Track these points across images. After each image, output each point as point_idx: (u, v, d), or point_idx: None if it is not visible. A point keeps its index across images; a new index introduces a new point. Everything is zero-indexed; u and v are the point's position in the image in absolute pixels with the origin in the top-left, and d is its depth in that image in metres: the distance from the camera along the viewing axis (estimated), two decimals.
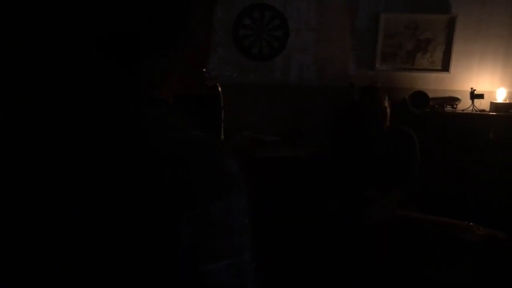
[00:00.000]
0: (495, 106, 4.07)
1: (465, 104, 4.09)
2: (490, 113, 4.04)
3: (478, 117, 4.00)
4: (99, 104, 0.65)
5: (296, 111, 4.17)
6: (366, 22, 4.21)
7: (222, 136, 2.60)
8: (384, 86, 4.02)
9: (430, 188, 3.04)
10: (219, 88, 2.63)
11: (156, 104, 0.68)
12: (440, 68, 4.27)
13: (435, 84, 4.26)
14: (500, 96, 4.10)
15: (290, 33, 4.19)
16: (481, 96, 4.03)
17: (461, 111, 4.06)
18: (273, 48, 4.22)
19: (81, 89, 0.66)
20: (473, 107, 4.06)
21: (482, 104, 4.10)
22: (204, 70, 2.44)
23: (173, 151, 0.62)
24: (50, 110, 0.65)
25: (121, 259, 0.59)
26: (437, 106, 4.03)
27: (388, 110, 3.03)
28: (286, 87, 4.28)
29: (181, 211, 0.59)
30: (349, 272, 2.46)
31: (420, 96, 3.90)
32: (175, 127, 0.66)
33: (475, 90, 4.05)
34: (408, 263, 2.47)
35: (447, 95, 4.14)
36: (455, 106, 4.07)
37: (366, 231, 2.54)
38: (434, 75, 4.27)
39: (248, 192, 0.66)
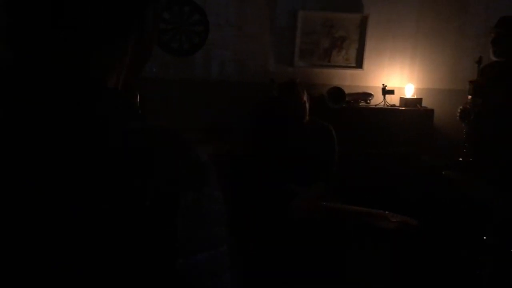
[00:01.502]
0: (404, 101, 4.33)
1: (377, 100, 4.31)
2: (400, 108, 4.30)
3: (390, 111, 4.24)
4: (53, 102, 0.60)
5: (218, 107, 4.16)
6: (284, 19, 4.29)
7: None
8: (303, 82, 4.13)
9: (349, 180, 3.18)
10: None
11: (112, 96, 0.65)
12: (354, 65, 4.47)
13: (350, 80, 4.45)
14: (409, 92, 4.38)
15: (210, 29, 4.17)
16: (391, 91, 4.27)
17: (374, 106, 4.28)
18: (193, 43, 4.18)
19: (33, 87, 0.61)
20: (384, 102, 4.29)
21: (393, 99, 4.35)
22: None
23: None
24: (5, 110, 0.60)
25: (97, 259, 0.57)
26: (352, 101, 4.21)
27: (307, 105, 3.11)
28: (207, 83, 4.25)
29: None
30: (277, 266, 2.50)
31: (337, 92, 4.05)
32: (134, 118, 0.64)
33: (386, 86, 4.29)
34: (330, 252, 2.56)
35: (361, 91, 4.34)
36: (368, 101, 4.28)
37: (292, 225, 2.60)
38: (349, 71, 4.46)
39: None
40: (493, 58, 3.26)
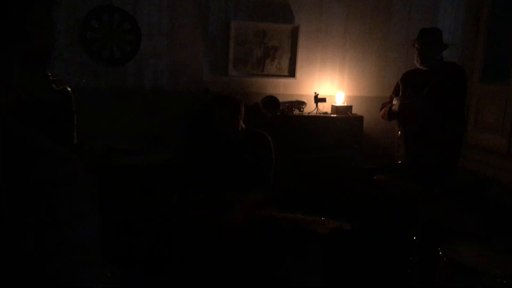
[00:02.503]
0: (335, 108, 4.48)
1: (310, 107, 4.43)
2: (332, 115, 4.45)
3: (322, 119, 4.37)
4: None
5: (152, 117, 4.09)
6: (217, 29, 4.31)
7: (75, 141, 2.44)
8: (237, 91, 4.17)
9: (285, 186, 3.23)
10: (70, 91, 2.46)
11: None
12: (287, 74, 4.57)
13: (284, 89, 4.55)
14: (339, 100, 4.54)
15: (142, 38, 4.10)
16: (323, 100, 4.41)
17: (307, 114, 4.40)
18: (125, 52, 4.09)
19: None
20: (317, 110, 4.42)
21: (325, 107, 4.49)
22: (49, 74, 2.26)
23: (17, 163, 0.60)
24: None
25: None
26: (286, 109, 4.29)
27: (241, 114, 3.12)
28: (140, 92, 4.17)
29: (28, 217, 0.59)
30: (213, 274, 2.49)
31: (271, 101, 4.12)
32: (18, 136, 0.63)
33: (318, 94, 4.42)
34: (267, 259, 2.58)
35: (294, 99, 4.44)
36: (302, 109, 4.39)
37: (227, 233, 2.60)
38: (282, 80, 4.55)
39: (96, 193, 0.66)
40: (419, 67, 3.46)
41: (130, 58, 4.11)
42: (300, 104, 4.39)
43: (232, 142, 3.07)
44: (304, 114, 4.38)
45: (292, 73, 4.56)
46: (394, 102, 3.55)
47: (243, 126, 3.14)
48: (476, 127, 4.61)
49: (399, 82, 3.63)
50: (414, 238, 2.18)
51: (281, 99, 4.30)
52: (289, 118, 4.27)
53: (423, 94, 3.40)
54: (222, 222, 2.68)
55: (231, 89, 4.27)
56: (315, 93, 4.45)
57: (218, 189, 2.86)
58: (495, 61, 4.63)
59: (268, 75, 4.52)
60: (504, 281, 1.87)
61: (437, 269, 2.13)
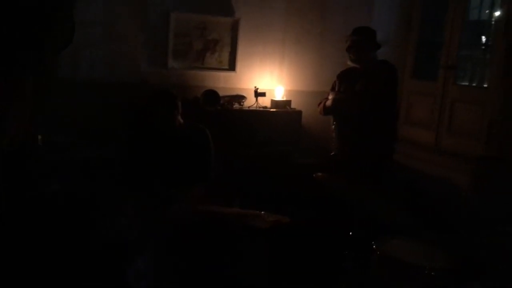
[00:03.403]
0: (275, 103, 4.54)
1: (250, 101, 4.46)
2: (271, 110, 4.50)
3: (262, 113, 4.41)
4: None
5: (88, 109, 3.94)
6: (156, 20, 4.22)
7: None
8: (176, 83, 4.12)
9: (226, 181, 3.24)
10: None
11: None
12: (227, 67, 4.56)
13: (224, 82, 4.54)
14: (279, 94, 4.60)
15: (76, 27, 3.92)
16: (263, 94, 4.45)
17: (247, 108, 4.42)
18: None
19: None
20: (257, 104, 4.45)
21: (264, 101, 4.54)
22: None
23: None
24: None
25: None
26: (226, 103, 4.30)
27: (179, 109, 3.08)
28: (74, 84, 4.00)
29: None
30: (158, 269, 2.46)
31: (212, 95, 4.11)
32: None
33: (258, 88, 4.46)
34: (210, 254, 2.59)
35: (234, 93, 4.45)
36: (242, 103, 4.41)
37: (172, 229, 2.57)
38: (222, 74, 4.54)
39: None
40: (349, 64, 3.57)
41: (64, 48, 3.92)
42: (240, 98, 4.40)
43: (171, 138, 3.04)
44: (244, 108, 4.41)
45: (232, 67, 4.56)
46: (330, 97, 3.65)
47: (181, 121, 3.11)
48: (406, 122, 4.84)
49: (336, 79, 3.73)
50: (350, 233, 2.27)
51: (221, 93, 4.30)
52: (229, 112, 4.28)
53: (356, 90, 3.51)
54: (165, 219, 2.65)
55: (170, 81, 4.21)
56: (255, 87, 4.48)
57: (158, 185, 2.83)
58: (425, 59, 4.88)
59: (208, 68, 4.49)
60: (433, 273, 2.00)
61: (371, 263, 2.23)
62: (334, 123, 3.67)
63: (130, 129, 3.57)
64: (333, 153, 3.65)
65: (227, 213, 2.83)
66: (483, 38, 4.87)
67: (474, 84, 4.85)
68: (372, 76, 3.46)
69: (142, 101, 3.73)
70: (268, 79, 4.70)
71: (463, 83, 4.78)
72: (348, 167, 3.38)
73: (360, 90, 3.47)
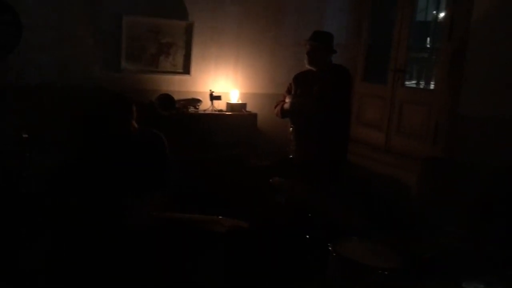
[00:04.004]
0: (230, 106, 4.57)
1: (206, 105, 4.46)
2: (227, 113, 4.52)
3: (217, 116, 4.43)
4: None
5: (37, 116, 3.82)
6: (109, 23, 4.14)
7: None
8: (130, 88, 4.07)
9: (182, 187, 3.23)
10: None
11: None
12: (182, 71, 4.54)
13: (179, 86, 4.51)
14: (234, 97, 4.63)
15: (25, 30, 3.80)
16: (219, 97, 4.47)
17: (203, 112, 4.42)
18: (4, 46, 3.76)
19: None
20: (212, 107, 4.46)
21: (220, 105, 4.55)
22: None
23: None
24: None
25: None
26: (181, 107, 4.28)
27: (134, 114, 3.04)
28: (23, 90, 3.87)
29: None
30: (116, 279, 2.43)
31: (167, 98, 4.08)
32: None
33: (213, 92, 4.47)
34: (169, 261, 2.58)
35: (189, 96, 4.44)
36: (197, 107, 4.40)
37: (127, 238, 2.55)
38: (177, 77, 4.51)
39: None
40: (308, 67, 3.65)
41: (10, 52, 3.79)
42: (196, 101, 4.40)
43: (126, 144, 2.98)
44: (199, 112, 4.40)
45: (187, 70, 4.54)
46: (287, 100, 3.72)
47: (136, 126, 3.06)
48: (358, 123, 4.98)
49: (292, 82, 3.80)
50: (307, 236, 2.33)
51: (176, 97, 4.28)
52: (185, 116, 4.26)
53: (312, 93, 3.60)
54: (121, 228, 2.62)
55: (124, 85, 4.15)
56: (210, 90, 4.49)
57: (114, 194, 2.78)
58: (375, 62, 5.04)
59: (162, 72, 4.46)
60: (386, 273, 2.08)
61: (328, 264, 2.30)
62: (292, 126, 3.74)
63: (83, 135, 3.49)
64: (291, 156, 3.72)
65: (184, 219, 2.83)
66: (429, 40, 5.09)
67: (421, 86, 5.07)
68: (328, 79, 3.56)
69: (96, 106, 3.66)
70: (223, 82, 4.71)
71: (411, 85, 4.99)
72: (306, 169, 3.46)
73: (317, 93, 3.55)
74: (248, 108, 4.66)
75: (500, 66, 3.49)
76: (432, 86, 4.62)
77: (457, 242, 2.00)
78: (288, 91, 3.82)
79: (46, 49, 3.94)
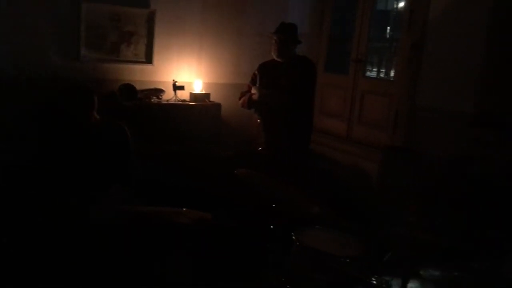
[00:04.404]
0: (194, 96, 4.54)
1: (169, 95, 4.42)
2: (191, 103, 4.49)
3: (181, 107, 4.39)
4: None
5: None
6: (67, 10, 4.02)
7: None
8: (90, 78, 3.97)
9: (146, 179, 3.19)
10: None
11: None
12: (144, 60, 4.47)
13: (141, 75, 4.44)
14: (198, 87, 4.60)
15: None
16: (182, 87, 4.43)
17: (166, 102, 4.38)
18: None
19: None
20: (175, 97, 4.42)
21: (183, 95, 4.51)
22: None
23: None
24: None
25: None
26: (144, 97, 4.22)
27: (95, 106, 2.98)
28: None
29: None
30: (83, 274, 2.40)
31: (129, 88, 4.01)
32: None
33: (176, 81, 4.42)
34: (136, 255, 2.56)
35: (152, 86, 4.38)
36: (160, 97, 4.35)
37: (94, 233, 2.51)
38: (139, 67, 4.44)
39: None
40: (276, 59, 3.66)
41: None
42: (159, 91, 4.35)
43: (87, 136, 2.92)
44: (162, 102, 4.36)
45: (149, 59, 4.48)
46: (253, 91, 3.72)
47: (97, 117, 3.00)
48: (321, 113, 5.05)
49: (256, 72, 3.80)
50: (272, 226, 2.37)
51: (138, 87, 4.22)
52: (148, 106, 4.21)
53: (279, 85, 3.62)
54: (85, 222, 2.58)
55: (84, 75, 4.05)
56: (173, 80, 4.44)
57: (76, 188, 2.73)
58: (337, 52, 5.12)
59: (124, 61, 4.37)
60: (347, 260, 2.15)
61: (291, 253, 2.35)
62: (259, 118, 3.75)
63: (41, 128, 3.40)
64: (260, 148, 3.74)
65: (148, 211, 2.81)
66: (388, 29, 5.20)
67: (381, 76, 5.18)
68: (295, 71, 3.60)
69: (54, 96, 3.56)
70: (186, 72, 4.67)
71: (372, 76, 5.09)
72: (274, 160, 3.50)
73: (284, 85, 3.58)
74: (212, 98, 4.64)
75: (455, 60, 3.61)
76: (392, 77, 4.73)
77: (415, 230, 2.08)
78: (253, 81, 3.83)
79: (1, 39, 3.79)
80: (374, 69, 5.30)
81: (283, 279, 2.31)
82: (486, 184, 2.15)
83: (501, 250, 1.91)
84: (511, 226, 1.95)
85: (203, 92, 4.61)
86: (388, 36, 5.19)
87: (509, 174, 2.11)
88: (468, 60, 3.50)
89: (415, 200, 2.39)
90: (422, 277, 1.81)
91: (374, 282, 1.90)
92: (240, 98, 3.89)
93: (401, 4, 4.78)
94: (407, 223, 2.00)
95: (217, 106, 4.62)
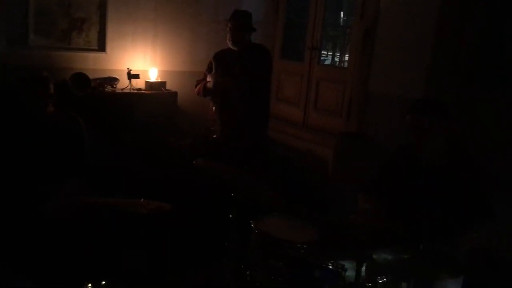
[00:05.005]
0: (149, 84, 4.47)
1: (123, 84, 4.33)
2: (146, 92, 4.43)
3: (136, 95, 4.32)
4: None
5: None
6: None
7: None
8: (40, 66, 3.83)
9: (103, 170, 3.14)
10: None
11: None
12: (96, 48, 4.36)
13: (94, 64, 4.34)
14: (153, 75, 4.53)
15: None
16: (137, 76, 4.35)
17: (121, 91, 4.30)
18: None
19: None
20: (130, 86, 4.35)
21: (138, 83, 4.44)
22: None
23: None
24: None
25: None
26: (98, 86, 4.13)
27: (49, 97, 2.90)
28: None
29: None
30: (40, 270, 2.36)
31: (81, 77, 3.91)
32: None
33: (131, 70, 4.34)
34: (94, 247, 2.53)
35: (106, 75, 4.29)
36: (114, 86, 4.27)
37: (50, 226, 2.46)
38: (91, 55, 4.33)
39: None
40: (231, 47, 3.65)
41: None
42: (113, 80, 4.26)
43: (42, 128, 2.84)
44: (117, 91, 4.27)
45: (102, 47, 4.37)
46: (209, 79, 3.71)
47: (52, 108, 2.92)
48: (277, 100, 5.10)
49: (212, 60, 3.79)
50: (230, 215, 2.38)
51: (91, 75, 4.11)
52: (102, 95, 4.12)
53: (234, 73, 3.62)
54: (40, 217, 2.52)
55: (33, 63, 3.91)
56: (128, 68, 4.36)
57: (32, 182, 2.65)
58: (293, 40, 5.16)
59: (75, 49, 4.26)
60: (305, 246, 2.20)
61: (250, 240, 2.39)
62: (215, 106, 3.75)
63: None
64: (215, 136, 3.74)
65: (105, 203, 2.78)
66: (342, 15, 5.28)
67: (336, 63, 5.28)
68: (249, 59, 3.60)
69: (5, 85, 3.43)
70: (141, 60, 4.59)
71: (326, 63, 5.17)
72: (230, 149, 3.51)
73: (239, 73, 3.58)
74: (168, 87, 4.59)
75: (406, 46, 3.72)
76: (346, 64, 4.82)
77: (369, 216, 2.16)
78: (209, 69, 3.81)
79: None
80: (329, 54, 5.38)
81: (242, 266, 2.35)
82: (428, 169, 2.26)
83: (448, 232, 2.02)
84: (457, 210, 2.06)
85: (159, 80, 4.55)
86: (342, 23, 5.27)
87: (446, 161, 2.22)
88: (419, 47, 3.60)
89: (369, 187, 2.47)
90: (375, 260, 1.88)
91: (330, 266, 1.97)
92: (196, 86, 3.87)
93: None
94: (362, 210, 2.07)
95: (173, 94, 4.58)
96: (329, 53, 5.36)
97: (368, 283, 1.92)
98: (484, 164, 2.22)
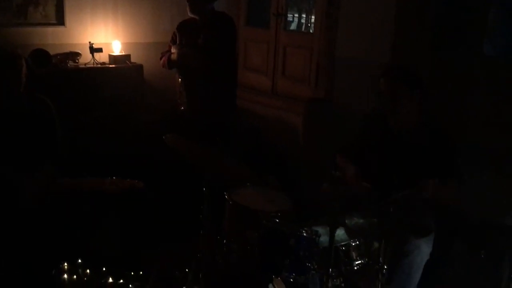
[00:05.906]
0: (113, 58, 4.36)
1: (86, 58, 4.21)
2: (110, 66, 4.32)
3: (100, 70, 4.21)
4: None
5: None
6: None
7: None
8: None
9: (71, 150, 3.08)
10: None
11: None
12: (55, 22, 4.21)
13: (53, 39, 4.19)
14: (116, 48, 4.41)
15: None
16: (100, 49, 4.23)
17: (84, 66, 4.18)
18: None
19: None
20: (93, 60, 4.23)
21: (101, 57, 4.32)
22: None
23: None
24: None
25: None
26: (59, 62, 4.00)
27: (22, 78, 2.76)
28: None
29: None
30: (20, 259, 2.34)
31: (41, 54, 3.78)
32: None
33: (93, 44, 4.21)
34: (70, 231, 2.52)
35: (67, 50, 4.16)
36: (77, 61, 4.14)
37: (23, 216, 2.42)
38: (50, 29, 4.17)
39: None
40: (190, 15, 3.58)
41: None
42: (74, 55, 4.14)
43: (11, 113, 2.69)
44: (80, 66, 4.15)
45: (60, 21, 4.21)
46: (173, 50, 3.64)
47: (22, 89, 2.76)
48: (244, 68, 5.07)
49: (176, 31, 3.71)
50: (204, 189, 2.40)
51: (51, 51, 3.98)
52: (64, 72, 3.99)
53: (198, 44, 3.56)
54: (16, 206, 2.46)
55: None
56: (90, 42, 4.23)
57: (3, 170, 2.56)
58: (258, 6, 5.09)
59: (32, 24, 4.09)
60: (279, 214, 2.25)
61: (224, 212, 2.43)
62: (180, 77, 3.69)
63: None
64: (182, 108, 3.70)
65: (77, 183, 2.74)
66: None
67: (302, 29, 5.24)
68: (212, 28, 3.53)
69: None
70: (103, 33, 4.45)
71: (292, 29, 5.13)
72: (197, 121, 3.48)
73: (202, 44, 3.52)
74: (133, 60, 4.49)
75: (371, 10, 3.72)
76: (312, 30, 4.80)
77: (340, 184, 2.21)
78: (173, 41, 3.73)
79: None
80: (295, 16, 5.32)
81: (218, 237, 2.39)
82: (399, 136, 2.32)
83: (416, 197, 2.09)
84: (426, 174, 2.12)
85: (123, 53, 4.43)
86: None
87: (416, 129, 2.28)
88: (384, 11, 3.60)
89: (339, 154, 2.52)
90: (347, 225, 1.94)
91: (305, 234, 2.02)
92: (161, 59, 3.80)
93: None
94: (332, 177, 2.12)
95: (139, 67, 4.48)
96: (295, 15, 5.30)
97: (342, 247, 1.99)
98: (447, 126, 2.29)
